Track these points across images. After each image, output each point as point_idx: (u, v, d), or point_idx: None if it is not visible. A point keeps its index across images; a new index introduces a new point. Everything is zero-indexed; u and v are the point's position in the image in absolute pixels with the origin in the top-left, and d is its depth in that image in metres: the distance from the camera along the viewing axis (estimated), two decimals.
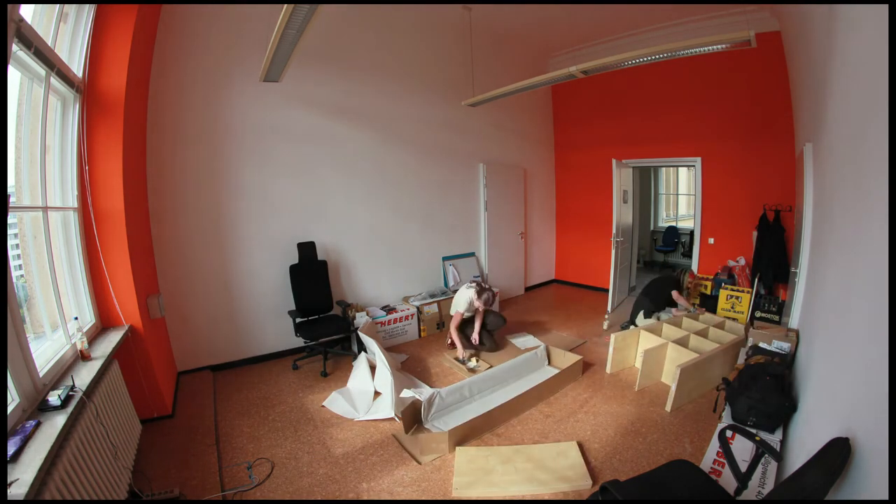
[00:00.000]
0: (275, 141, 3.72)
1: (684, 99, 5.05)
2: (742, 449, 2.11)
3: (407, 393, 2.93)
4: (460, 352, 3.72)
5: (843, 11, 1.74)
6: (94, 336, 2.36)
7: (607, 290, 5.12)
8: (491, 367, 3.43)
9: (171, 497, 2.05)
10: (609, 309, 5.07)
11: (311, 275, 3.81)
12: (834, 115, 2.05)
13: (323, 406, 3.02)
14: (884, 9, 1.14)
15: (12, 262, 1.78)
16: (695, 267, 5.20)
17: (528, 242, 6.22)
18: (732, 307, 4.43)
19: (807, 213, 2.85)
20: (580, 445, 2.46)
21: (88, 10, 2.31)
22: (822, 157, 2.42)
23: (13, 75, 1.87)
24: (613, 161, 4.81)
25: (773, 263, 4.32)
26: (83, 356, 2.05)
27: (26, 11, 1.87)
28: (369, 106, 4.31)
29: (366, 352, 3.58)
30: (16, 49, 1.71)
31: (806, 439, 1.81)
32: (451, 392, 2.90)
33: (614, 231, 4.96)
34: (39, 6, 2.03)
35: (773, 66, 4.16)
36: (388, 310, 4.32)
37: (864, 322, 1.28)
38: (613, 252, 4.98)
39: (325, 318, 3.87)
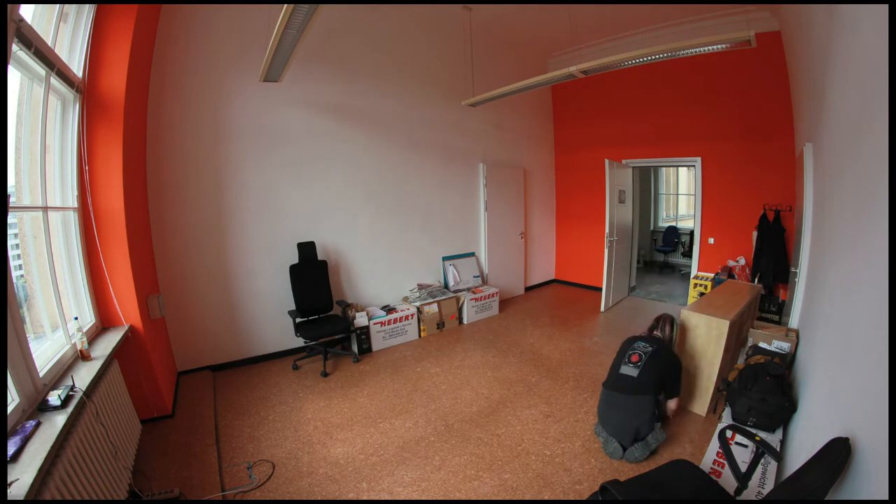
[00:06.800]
0: (275, 141, 3.72)
1: (684, 99, 5.05)
2: (742, 449, 2.11)
3: None
4: None
5: (842, 11, 1.74)
6: (94, 336, 2.36)
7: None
8: None
9: (171, 497, 2.05)
10: (602, 308, 5.16)
11: (311, 275, 3.81)
12: (834, 115, 2.05)
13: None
14: (884, 9, 1.14)
15: (12, 262, 1.78)
16: (695, 267, 5.21)
17: (528, 242, 6.22)
18: None
19: (807, 213, 2.85)
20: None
21: (88, 10, 2.31)
22: (822, 157, 2.42)
23: (13, 75, 1.87)
24: (606, 161, 4.93)
25: (773, 263, 4.32)
26: (83, 356, 2.05)
27: (26, 11, 1.87)
28: (369, 106, 4.31)
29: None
30: (16, 49, 1.71)
31: (806, 439, 1.80)
32: None
33: (607, 230, 5.07)
34: (39, 6, 2.03)
35: (773, 66, 4.17)
36: (388, 310, 4.32)
37: (864, 322, 1.28)
38: (606, 251, 5.08)
39: (325, 317, 3.87)
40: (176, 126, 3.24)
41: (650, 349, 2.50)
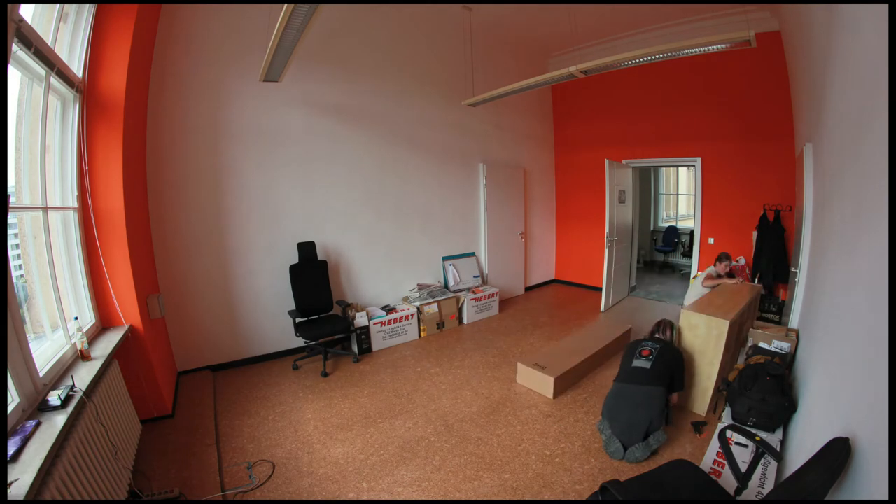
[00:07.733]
0: (275, 141, 3.72)
1: (684, 99, 5.05)
2: (742, 449, 2.11)
3: None
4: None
5: (842, 11, 1.74)
6: (94, 336, 2.36)
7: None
8: None
9: (171, 497, 2.05)
10: (602, 308, 5.17)
11: (311, 275, 3.81)
12: (834, 115, 2.05)
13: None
14: (884, 9, 1.14)
15: (12, 262, 1.78)
16: (695, 267, 5.21)
17: (528, 242, 6.22)
18: None
19: (807, 213, 2.85)
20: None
21: (88, 10, 2.31)
22: (822, 157, 2.42)
23: (13, 75, 1.87)
24: (606, 161, 4.94)
25: (773, 263, 4.32)
26: (83, 356, 2.05)
27: (26, 11, 1.87)
28: (370, 106, 4.31)
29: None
30: (16, 49, 1.71)
31: (806, 439, 1.80)
32: None
33: (607, 230, 5.08)
34: (39, 6, 2.03)
35: (773, 66, 4.16)
36: (388, 310, 4.31)
37: (864, 322, 1.28)
38: (606, 252, 5.09)
39: (325, 317, 3.87)
40: (176, 126, 3.24)
41: (658, 346, 2.67)
